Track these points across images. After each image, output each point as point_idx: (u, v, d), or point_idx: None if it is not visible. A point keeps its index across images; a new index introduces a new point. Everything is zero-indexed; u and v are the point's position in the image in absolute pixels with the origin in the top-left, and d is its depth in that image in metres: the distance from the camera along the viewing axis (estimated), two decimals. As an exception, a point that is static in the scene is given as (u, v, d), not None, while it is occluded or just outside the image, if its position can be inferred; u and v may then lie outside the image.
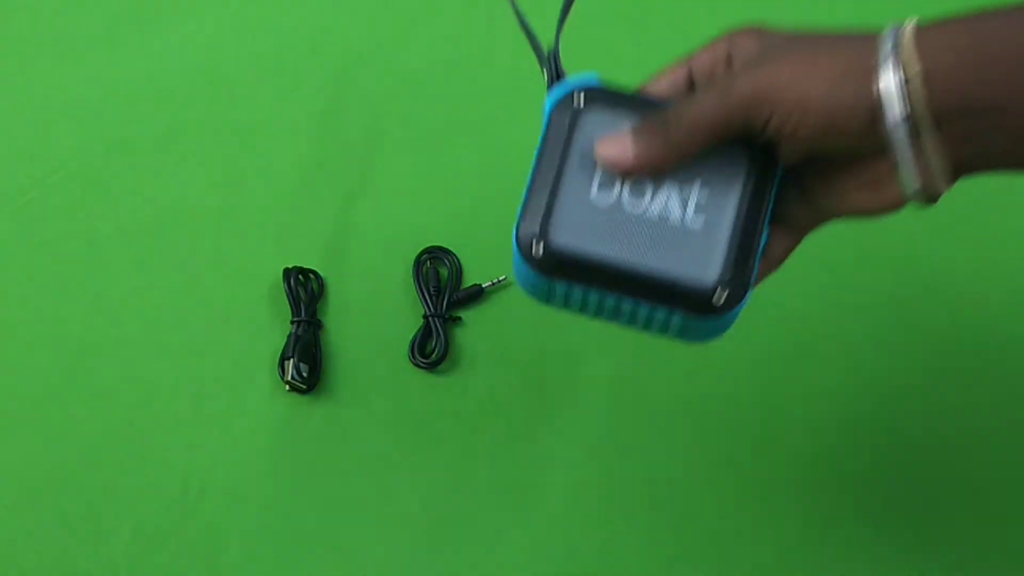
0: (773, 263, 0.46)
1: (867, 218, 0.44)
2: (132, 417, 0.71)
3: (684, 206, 0.43)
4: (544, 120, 0.45)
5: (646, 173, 0.43)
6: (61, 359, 0.73)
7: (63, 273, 0.76)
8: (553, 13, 0.46)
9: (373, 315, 0.75)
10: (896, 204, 0.42)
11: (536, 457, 0.70)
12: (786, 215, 0.45)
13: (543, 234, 0.43)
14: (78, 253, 0.76)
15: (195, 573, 0.68)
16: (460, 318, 0.75)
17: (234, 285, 0.75)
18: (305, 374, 0.71)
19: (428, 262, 0.76)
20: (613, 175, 0.43)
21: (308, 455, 0.71)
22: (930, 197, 0.40)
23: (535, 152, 0.44)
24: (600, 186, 0.43)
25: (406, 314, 0.74)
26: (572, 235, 0.43)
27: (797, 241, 0.46)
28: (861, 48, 0.38)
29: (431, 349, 0.73)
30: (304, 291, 0.74)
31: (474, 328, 0.75)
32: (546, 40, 0.46)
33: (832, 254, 0.74)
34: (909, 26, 0.38)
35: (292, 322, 0.73)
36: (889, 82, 0.37)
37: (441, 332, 0.72)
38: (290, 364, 0.70)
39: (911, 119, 0.37)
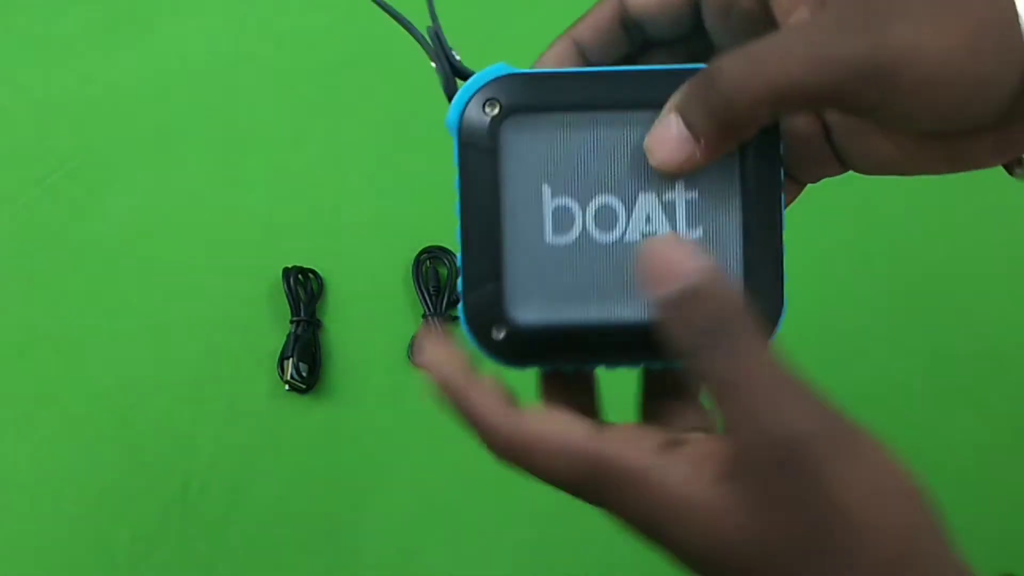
0: None
1: (906, 175, 0.34)
2: (131, 417, 0.72)
3: (672, 215, 0.32)
4: (454, 144, 0.33)
5: (705, 162, 0.31)
6: (60, 359, 0.73)
7: (62, 273, 0.76)
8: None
9: (372, 315, 0.75)
10: (976, 167, 0.33)
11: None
12: (796, 172, 0.36)
13: (499, 312, 0.33)
14: (77, 253, 0.76)
15: (195, 572, 0.68)
16: (459, 318, 0.75)
17: (233, 284, 0.75)
18: (304, 374, 0.71)
19: (427, 262, 0.76)
20: (575, 190, 0.33)
21: (307, 454, 0.71)
22: None
23: (456, 196, 0.33)
24: (555, 221, 0.33)
25: (405, 314, 0.74)
26: (539, 302, 0.33)
27: (798, 194, 0.38)
28: None
29: (430, 349, 0.73)
30: (303, 291, 0.74)
31: (473, 328, 0.75)
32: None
33: (832, 251, 0.74)
34: None
35: (291, 322, 0.73)
36: None
37: (440, 332, 0.72)
38: (289, 364, 0.70)
39: None
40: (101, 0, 0.84)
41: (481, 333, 0.33)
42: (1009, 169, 0.33)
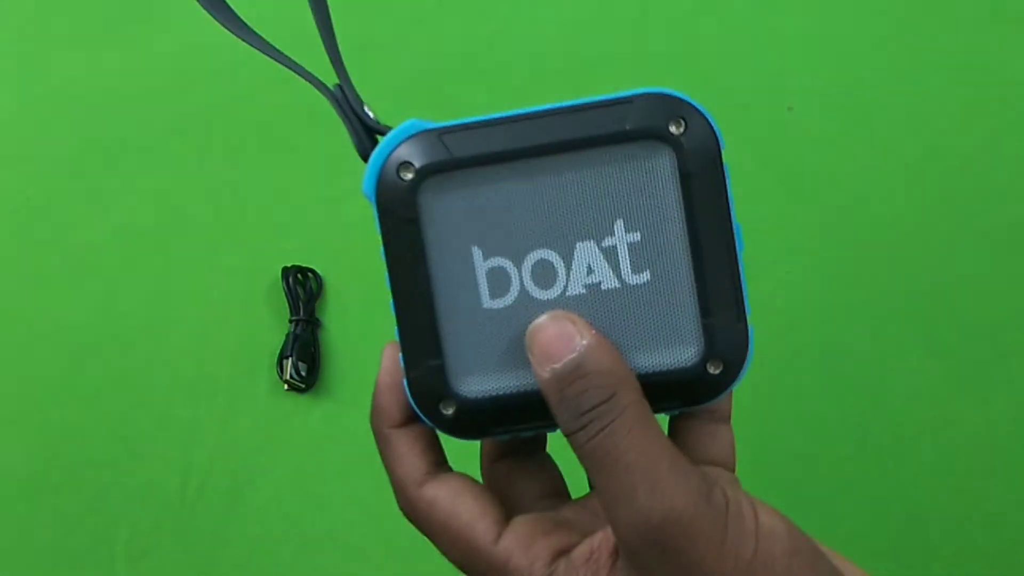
0: None
1: None
2: (131, 416, 0.72)
3: (615, 262, 0.30)
4: (374, 213, 0.32)
5: None
6: (60, 358, 0.73)
7: (61, 272, 0.76)
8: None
9: (372, 314, 0.75)
10: None
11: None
12: None
13: (445, 388, 0.31)
14: (77, 252, 0.76)
15: (194, 571, 0.68)
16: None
17: (233, 284, 0.75)
18: (304, 373, 0.71)
19: (427, 261, 0.76)
20: (507, 249, 0.31)
21: (306, 454, 0.71)
22: None
23: (384, 267, 0.32)
24: (491, 284, 0.31)
25: (405, 313, 0.74)
26: (485, 373, 0.31)
27: None
28: None
29: (430, 348, 0.73)
30: (303, 290, 0.74)
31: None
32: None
33: (833, 252, 0.74)
34: None
35: (291, 321, 0.73)
36: None
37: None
38: (289, 363, 0.70)
39: None
40: (101, 1, 0.85)
41: (430, 410, 0.31)
42: None
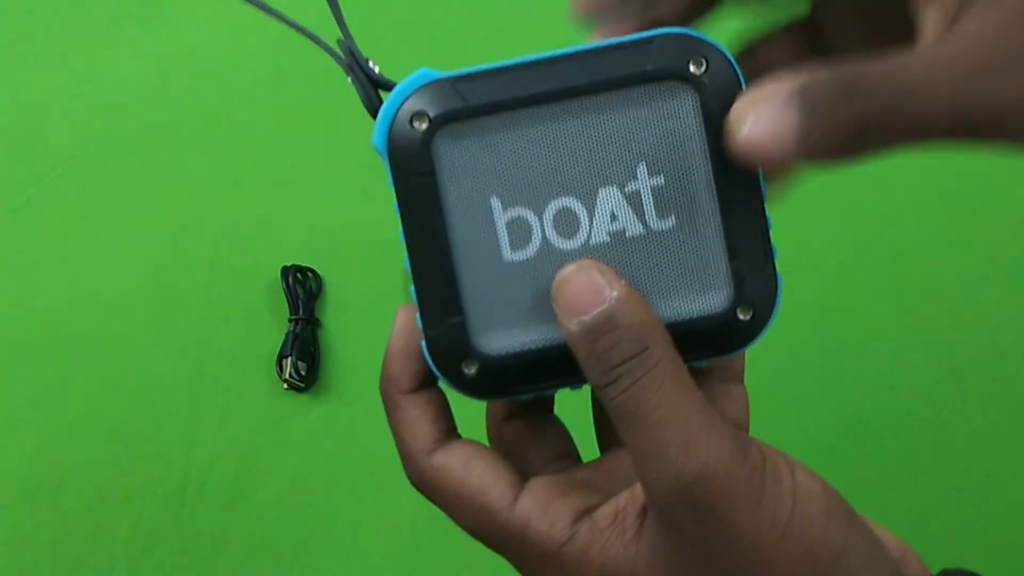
0: None
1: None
2: (130, 415, 0.71)
3: (639, 207, 0.29)
4: (387, 168, 0.31)
5: (804, 161, 0.26)
6: (59, 357, 0.73)
7: (61, 271, 0.76)
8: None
9: (371, 313, 0.75)
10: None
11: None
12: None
13: (467, 347, 0.30)
14: (76, 251, 0.76)
15: (193, 571, 0.68)
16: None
17: (232, 283, 0.75)
18: (303, 372, 0.71)
19: (426, 260, 0.75)
20: (527, 198, 0.29)
21: (306, 453, 0.71)
22: None
23: (399, 223, 0.30)
24: (511, 235, 0.30)
25: (404, 312, 0.74)
26: (509, 328, 0.30)
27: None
28: None
29: (429, 347, 0.73)
30: (302, 289, 0.74)
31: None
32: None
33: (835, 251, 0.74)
34: None
35: (290, 320, 0.72)
36: None
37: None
38: (288, 363, 0.70)
39: None
40: (101, 0, 0.85)
41: (451, 371, 0.30)
42: None
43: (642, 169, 0.29)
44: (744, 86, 0.29)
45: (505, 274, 0.30)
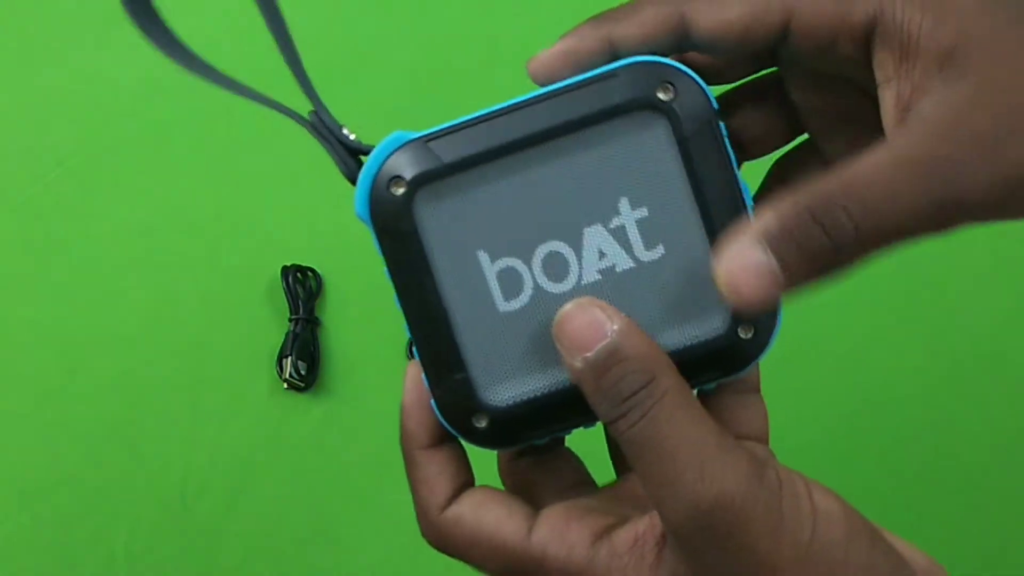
0: None
1: None
2: (130, 415, 0.71)
3: (626, 242, 0.29)
4: (372, 234, 0.31)
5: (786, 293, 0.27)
6: (59, 357, 0.73)
7: (61, 270, 0.76)
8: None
9: (371, 313, 0.75)
10: None
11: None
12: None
13: (474, 402, 0.30)
14: (76, 250, 0.76)
15: (193, 571, 0.68)
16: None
17: (232, 283, 0.75)
18: (303, 372, 0.71)
19: (426, 260, 0.75)
20: (513, 248, 0.30)
21: (306, 453, 0.71)
22: None
23: (391, 287, 0.31)
24: (503, 286, 0.30)
25: (404, 312, 0.74)
26: (512, 378, 0.30)
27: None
28: None
29: (429, 347, 0.73)
30: (302, 289, 0.74)
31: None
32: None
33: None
34: None
35: (290, 320, 0.72)
36: None
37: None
38: (288, 362, 0.70)
39: None
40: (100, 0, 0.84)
41: (462, 426, 0.30)
42: None
43: (624, 203, 0.29)
44: (716, 107, 0.29)
45: (502, 325, 0.30)
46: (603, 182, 0.29)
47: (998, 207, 0.26)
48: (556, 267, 0.30)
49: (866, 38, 0.28)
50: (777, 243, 0.26)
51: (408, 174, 0.30)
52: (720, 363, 0.29)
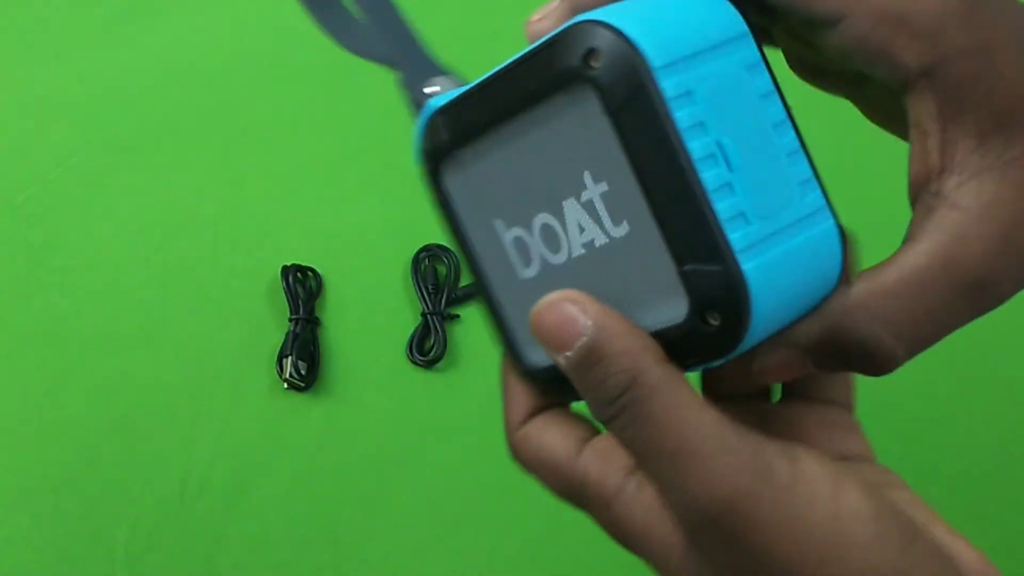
0: None
1: None
2: (130, 415, 0.71)
3: (597, 216, 0.27)
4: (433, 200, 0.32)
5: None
6: (59, 358, 0.73)
7: (61, 270, 0.76)
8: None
9: (371, 313, 0.75)
10: None
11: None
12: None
13: (519, 359, 0.32)
14: (77, 250, 0.76)
15: (193, 571, 0.68)
16: (458, 316, 0.75)
17: (232, 282, 0.75)
18: (303, 372, 0.70)
19: (426, 260, 0.76)
20: (518, 218, 0.30)
21: (306, 453, 0.71)
22: None
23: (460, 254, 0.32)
24: (518, 254, 0.30)
25: (404, 312, 0.74)
26: (536, 344, 0.30)
27: None
28: None
29: (429, 347, 0.73)
30: (302, 288, 0.74)
31: (472, 326, 0.75)
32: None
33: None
34: None
35: (290, 320, 0.72)
36: None
37: (439, 330, 0.72)
38: (288, 362, 0.70)
39: None
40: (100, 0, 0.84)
41: (523, 377, 0.32)
42: None
43: (588, 177, 0.27)
44: (654, 62, 0.25)
45: (524, 291, 0.30)
46: (568, 156, 0.27)
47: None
48: (550, 238, 0.29)
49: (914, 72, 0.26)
50: (815, 359, 0.27)
51: (428, 151, 0.31)
52: (699, 349, 0.27)
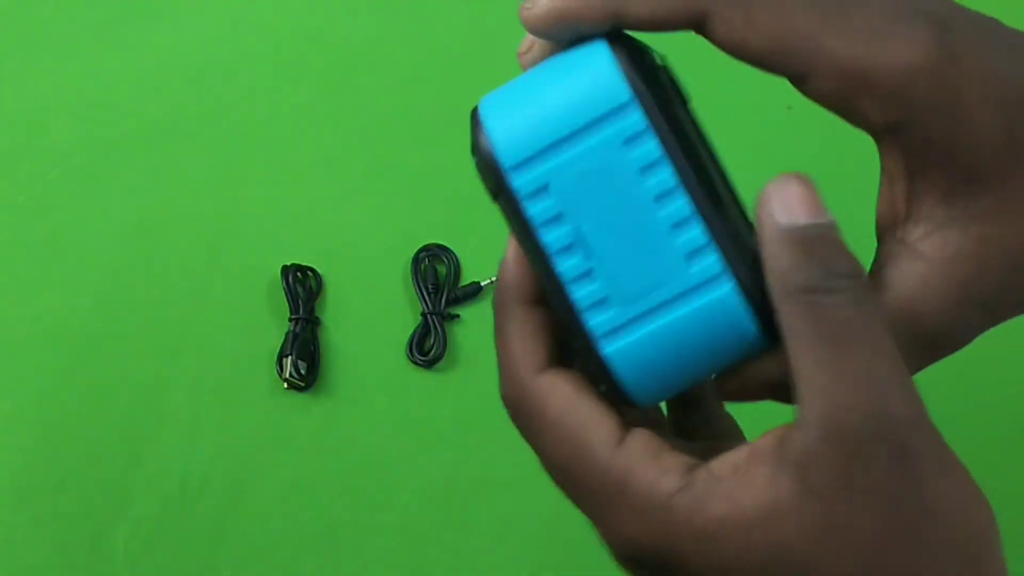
0: None
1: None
2: (130, 415, 0.71)
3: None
4: None
5: None
6: (59, 358, 0.73)
7: (61, 270, 0.76)
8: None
9: (371, 312, 0.75)
10: None
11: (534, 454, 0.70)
12: None
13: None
14: (76, 250, 0.76)
15: (193, 571, 0.68)
16: (458, 316, 0.75)
17: (232, 282, 0.75)
18: (303, 372, 0.70)
19: (426, 259, 0.75)
20: None
21: (306, 453, 0.71)
22: None
23: None
24: None
25: (404, 312, 0.74)
26: None
27: None
28: None
29: (429, 347, 0.73)
30: (302, 288, 0.74)
31: (472, 326, 0.75)
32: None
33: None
34: None
35: (290, 319, 0.72)
36: None
37: (439, 330, 0.72)
38: (288, 362, 0.70)
39: None
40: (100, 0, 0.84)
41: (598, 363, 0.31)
42: None
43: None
44: (504, 167, 0.26)
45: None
46: None
47: None
48: None
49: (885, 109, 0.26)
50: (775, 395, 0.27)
51: (488, 130, 0.29)
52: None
